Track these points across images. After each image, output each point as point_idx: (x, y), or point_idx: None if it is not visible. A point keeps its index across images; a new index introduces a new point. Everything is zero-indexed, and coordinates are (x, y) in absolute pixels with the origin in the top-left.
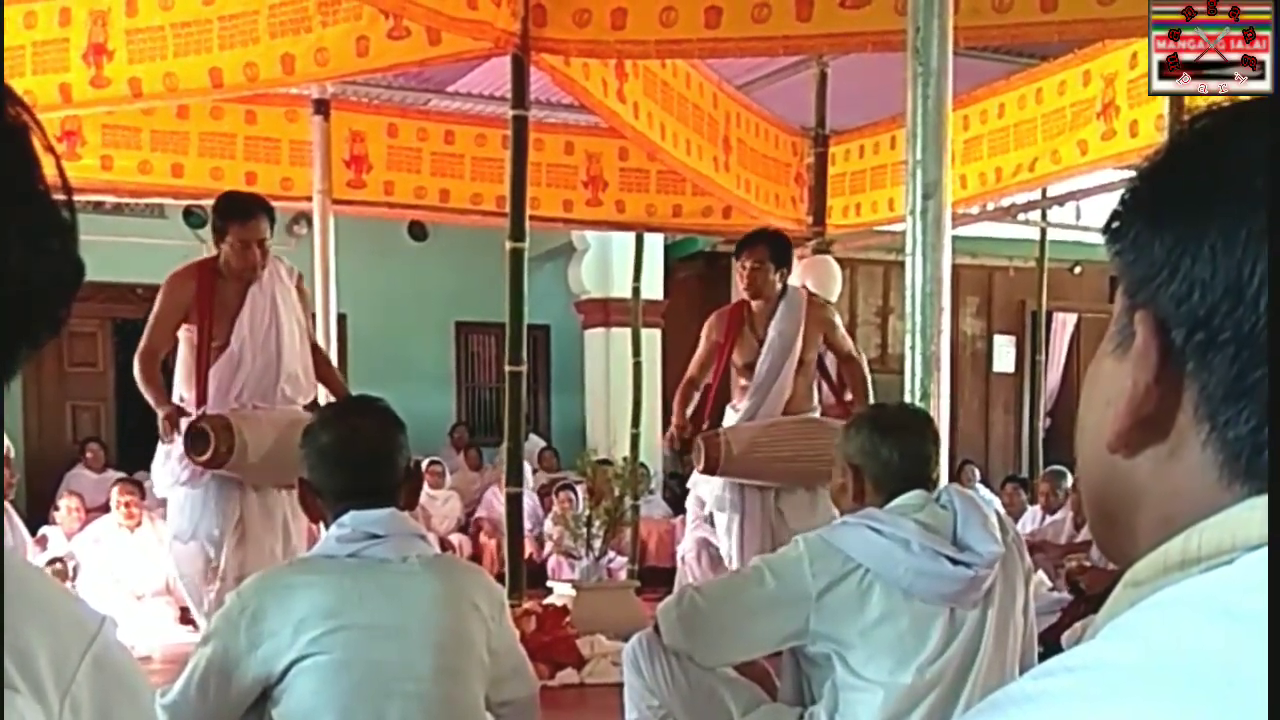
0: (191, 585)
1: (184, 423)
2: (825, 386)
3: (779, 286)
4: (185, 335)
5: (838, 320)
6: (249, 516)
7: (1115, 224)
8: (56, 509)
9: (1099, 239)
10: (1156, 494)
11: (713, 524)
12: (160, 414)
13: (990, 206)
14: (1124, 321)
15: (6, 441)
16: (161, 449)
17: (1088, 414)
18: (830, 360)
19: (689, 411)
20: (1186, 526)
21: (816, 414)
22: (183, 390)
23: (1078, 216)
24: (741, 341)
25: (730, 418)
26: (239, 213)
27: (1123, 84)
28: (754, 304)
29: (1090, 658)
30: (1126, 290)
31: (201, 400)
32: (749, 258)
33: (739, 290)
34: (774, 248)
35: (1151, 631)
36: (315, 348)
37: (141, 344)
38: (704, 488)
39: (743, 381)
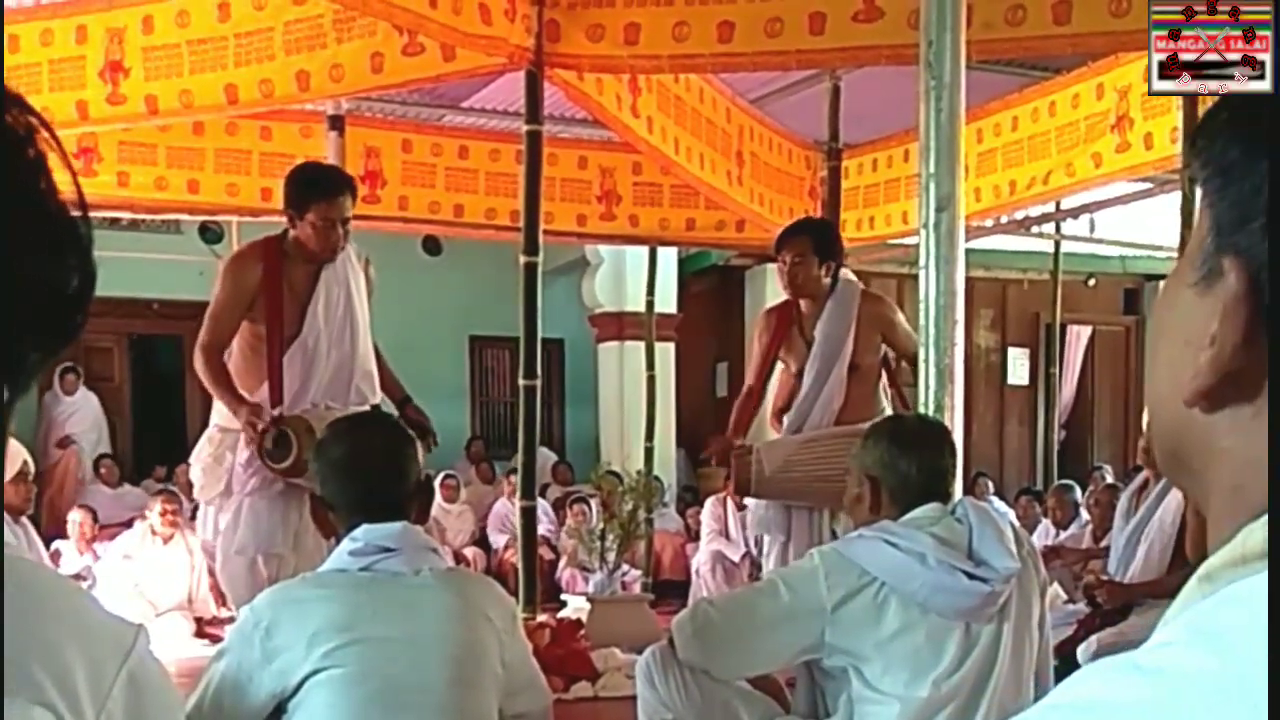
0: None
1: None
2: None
3: (826, 281)
4: (241, 328)
5: (899, 317)
6: (302, 531)
7: (1201, 141)
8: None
9: (1113, 251)
10: (1234, 459)
11: (729, 536)
12: (241, 418)
13: (1004, 219)
14: (1209, 253)
15: (26, 456)
16: (205, 453)
17: (1161, 347)
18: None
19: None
20: (1256, 499)
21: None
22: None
23: (1092, 229)
24: (790, 344)
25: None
26: (325, 189)
27: (1136, 97)
28: (802, 302)
29: (1168, 661)
30: (1216, 226)
31: (277, 400)
32: (788, 251)
33: (777, 292)
34: (817, 238)
35: (1227, 634)
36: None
37: (202, 338)
38: (750, 504)
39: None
